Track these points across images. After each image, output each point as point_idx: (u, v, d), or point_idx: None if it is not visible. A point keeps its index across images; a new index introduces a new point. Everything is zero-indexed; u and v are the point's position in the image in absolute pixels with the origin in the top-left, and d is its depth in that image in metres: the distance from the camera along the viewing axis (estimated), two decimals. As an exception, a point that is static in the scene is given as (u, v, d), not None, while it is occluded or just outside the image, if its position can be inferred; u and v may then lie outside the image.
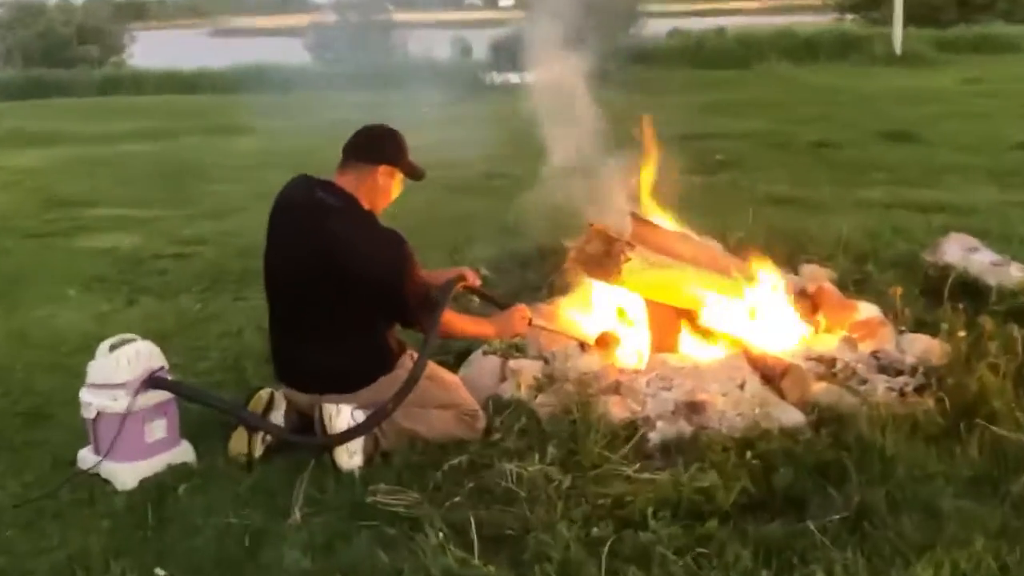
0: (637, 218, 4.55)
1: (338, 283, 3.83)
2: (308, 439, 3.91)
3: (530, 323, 4.40)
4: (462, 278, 4.29)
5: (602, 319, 4.74)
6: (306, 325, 3.97)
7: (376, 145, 4.04)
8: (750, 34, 26.20)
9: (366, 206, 3.96)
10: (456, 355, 4.83)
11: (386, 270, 3.84)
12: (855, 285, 5.58)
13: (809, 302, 4.96)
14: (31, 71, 25.81)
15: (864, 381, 4.25)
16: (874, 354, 4.48)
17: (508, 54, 22.29)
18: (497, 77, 21.55)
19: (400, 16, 32.30)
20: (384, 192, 4.01)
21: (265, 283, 4.16)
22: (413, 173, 4.11)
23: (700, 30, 27.41)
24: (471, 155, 12.03)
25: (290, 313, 4.04)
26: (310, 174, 4.07)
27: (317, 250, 3.85)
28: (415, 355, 3.97)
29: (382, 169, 3.96)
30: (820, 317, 4.85)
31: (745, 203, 7.91)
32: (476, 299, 4.78)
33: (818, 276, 5.46)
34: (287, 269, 4.00)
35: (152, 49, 30.75)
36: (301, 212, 3.96)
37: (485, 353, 4.68)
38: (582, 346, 4.57)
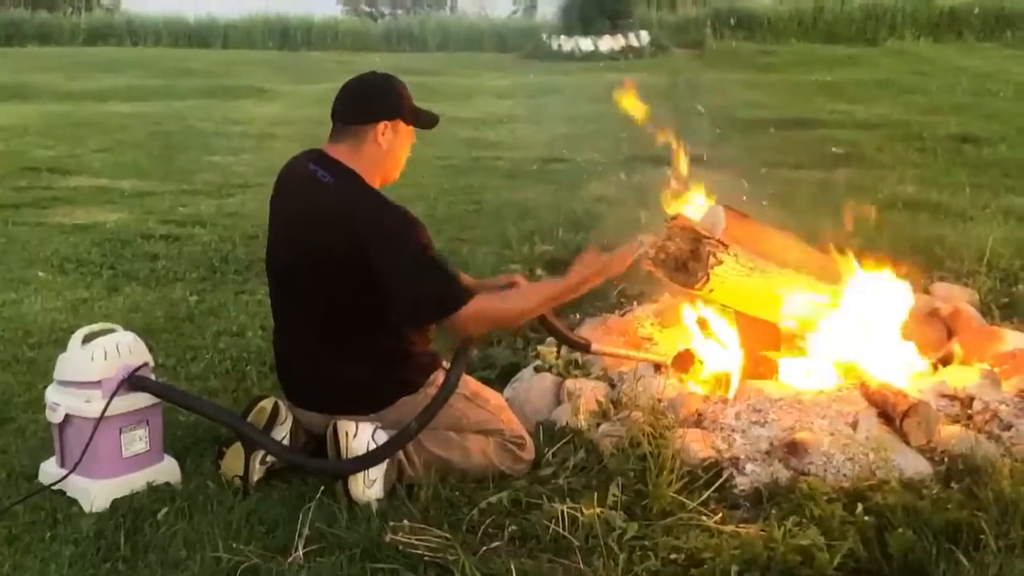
0: (732, 212, 4.50)
1: (341, 275, 3.82)
2: (318, 463, 3.92)
3: (587, 349, 4.41)
4: (512, 286, 4.27)
5: (683, 335, 4.71)
6: (313, 332, 3.98)
7: (366, 99, 3.98)
8: (880, 2, 26.05)
9: (375, 180, 3.94)
10: (501, 371, 4.83)
11: (385, 241, 3.75)
12: (1001, 310, 5.52)
13: (942, 327, 4.89)
14: (5, 12, 26.27)
15: (1008, 426, 4.18)
16: (1021, 394, 4.40)
17: (581, 15, 22.40)
18: (566, 42, 21.62)
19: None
20: (391, 154, 3.96)
21: (268, 282, 4.19)
22: (420, 120, 4.04)
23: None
24: (525, 134, 12.11)
25: (294, 317, 4.06)
26: (318, 147, 4.03)
27: (315, 238, 3.85)
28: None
29: (380, 127, 3.90)
30: (955, 346, 4.78)
31: (866, 205, 7.84)
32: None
33: (955, 296, 5.39)
34: (287, 264, 4.02)
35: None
36: (298, 196, 3.98)
37: (537, 370, 4.67)
38: (657, 367, 4.55)
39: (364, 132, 3.90)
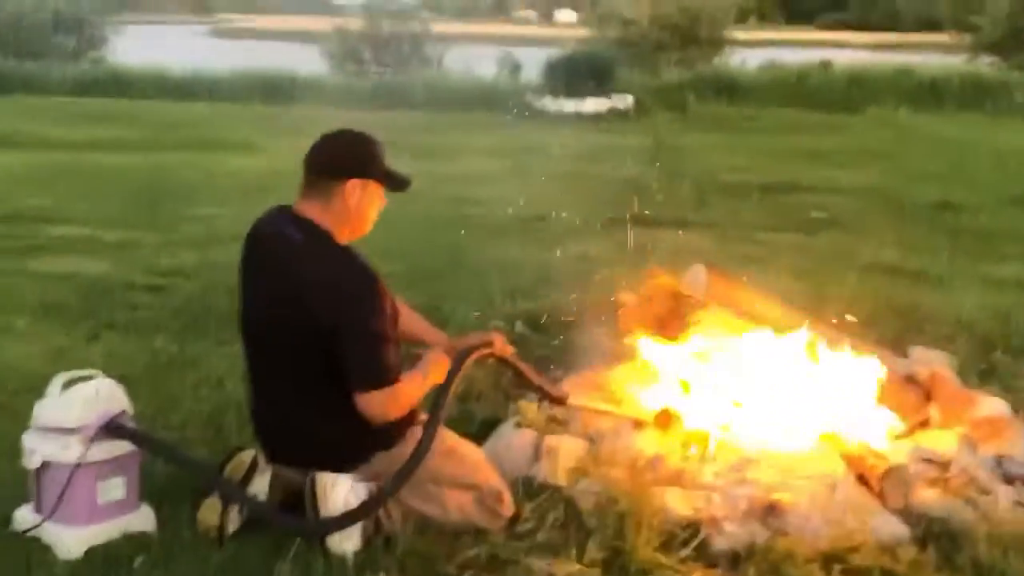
0: (714, 271, 4.54)
1: (311, 334, 3.81)
2: (293, 521, 3.88)
3: (564, 402, 4.45)
4: (487, 344, 4.26)
5: (663, 393, 4.72)
6: (287, 390, 3.98)
7: (338, 156, 3.98)
8: (861, 72, 26.37)
9: (342, 236, 3.94)
10: (480, 425, 4.83)
11: (340, 312, 3.77)
12: (979, 376, 5.55)
13: (920, 391, 4.91)
14: (-7, 62, 26.32)
15: (985, 491, 4.19)
16: (998, 459, 4.42)
17: (566, 77, 22.56)
18: (551, 103, 21.77)
19: (439, 27, 32.78)
20: (359, 212, 3.95)
21: (242, 341, 4.18)
22: (391, 182, 4.02)
23: (800, 63, 27.57)
24: (508, 192, 12.16)
25: (268, 375, 4.06)
26: (287, 205, 4.04)
27: (281, 297, 3.87)
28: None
29: (350, 185, 3.90)
30: (933, 410, 4.80)
31: (846, 270, 7.90)
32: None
33: (933, 360, 5.42)
34: (260, 323, 4.02)
35: (140, 45, 31.33)
36: (267, 256, 3.99)
37: (517, 425, 4.67)
38: (637, 424, 4.55)
39: (333, 188, 3.90)
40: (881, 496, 4.09)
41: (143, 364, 5.90)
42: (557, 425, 4.67)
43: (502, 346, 4.31)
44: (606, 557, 3.69)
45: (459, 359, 4.08)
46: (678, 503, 4.03)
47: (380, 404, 3.81)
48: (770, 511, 3.98)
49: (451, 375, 4.01)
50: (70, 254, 8.83)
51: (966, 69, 28.64)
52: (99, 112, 20.57)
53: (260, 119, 20.19)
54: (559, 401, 4.49)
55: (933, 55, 35.11)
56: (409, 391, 3.92)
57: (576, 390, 4.79)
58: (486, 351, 4.23)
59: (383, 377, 3.81)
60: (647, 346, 4.73)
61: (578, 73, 22.49)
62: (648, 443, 4.43)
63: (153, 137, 16.90)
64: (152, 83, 25.25)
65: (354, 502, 3.81)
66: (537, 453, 4.47)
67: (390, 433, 3.97)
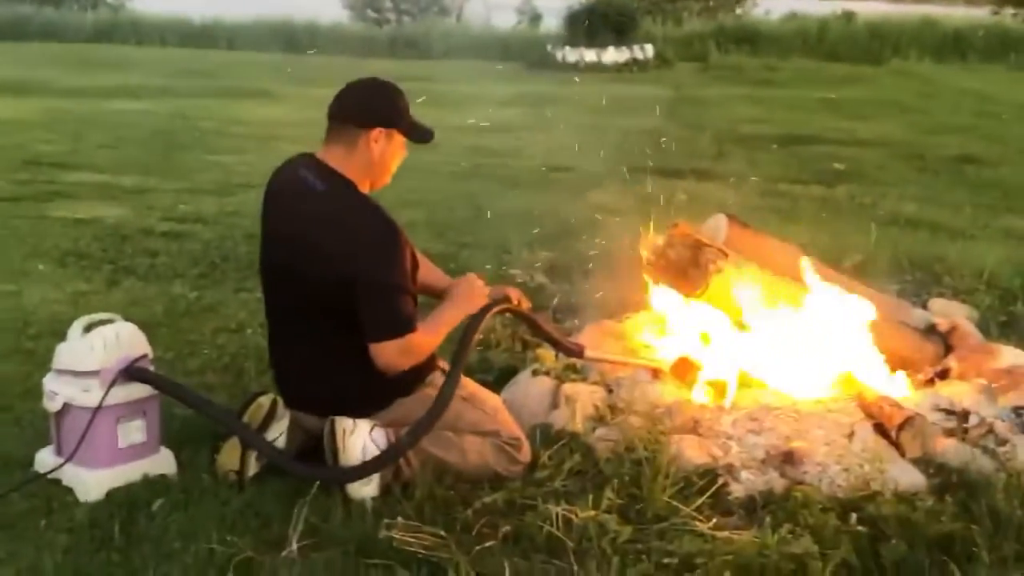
0: (734, 221, 4.52)
1: (332, 282, 3.80)
2: (309, 470, 3.90)
3: (581, 355, 4.44)
4: (505, 299, 4.26)
5: (681, 342, 4.72)
6: (306, 337, 3.98)
7: (365, 104, 3.96)
8: (884, 23, 26.16)
9: (364, 185, 3.93)
10: (499, 374, 4.84)
11: (359, 262, 3.76)
12: (1000, 327, 5.54)
13: (940, 341, 4.90)
14: (12, 8, 26.30)
15: (1003, 441, 4.19)
16: (1017, 410, 4.41)
17: (587, 27, 22.47)
18: (571, 53, 21.67)
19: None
20: (381, 162, 3.94)
21: (262, 288, 4.19)
22: (415, 134, 4.01)
23: (822, 14, 27.37)
24: (528, 143, 12.15)
25: (288, 322, 4.07)
26: (309, 152, 4.03)
27: (301, 245, 3.87)
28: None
29: (375, 133, 3.89)
30: (952, 361, 4.79)
31: (866, 222, 7.89)
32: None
33: (953, 312, 5.41)
34: (280, 270, 4.02)
35: (160, -9, 31.27)
36: (289, 204, 3.98)
37: (535, 373, 4.68)
38: (654, 373, 4.55)
39: (358, 136, 3.89)
40: (899, 445, 4.09)
41: (163, 310, 5.94)
42: (575, 373, 4.67)
43: (519, 300, 4.32)
44: (622, 504, 3.69)
45: (477, 315, 4.08)
46: (695, 451, 4.03)
47: (394, 354, 3.80)
48: (787, 459, 3.98)
49: (469, 331, 4.01)
50: (88, 200, 8.87)
51: (991, 21, 28.37)
52: (117, 59, 20.61)
53: (279, 67, 20.17)
54: (575, 354, 4.50)
55: (957, 7, 34.79)
56: (424, 341, 3.91)
57: (594, 340, 4.79)
58: (503, 306, 4.23)
59: (398, 328, 3.80)
60: (666, 296, 4.71)
61: (599, 23, 22.38)
62: (666, 392, 4.44)
63: (171, 85, 16.91)
64: (172, 30, 25.27)
65: (372, 448, 3.83)
66: (555, 401, 4.48)
67: (410, 379, 3.97)
